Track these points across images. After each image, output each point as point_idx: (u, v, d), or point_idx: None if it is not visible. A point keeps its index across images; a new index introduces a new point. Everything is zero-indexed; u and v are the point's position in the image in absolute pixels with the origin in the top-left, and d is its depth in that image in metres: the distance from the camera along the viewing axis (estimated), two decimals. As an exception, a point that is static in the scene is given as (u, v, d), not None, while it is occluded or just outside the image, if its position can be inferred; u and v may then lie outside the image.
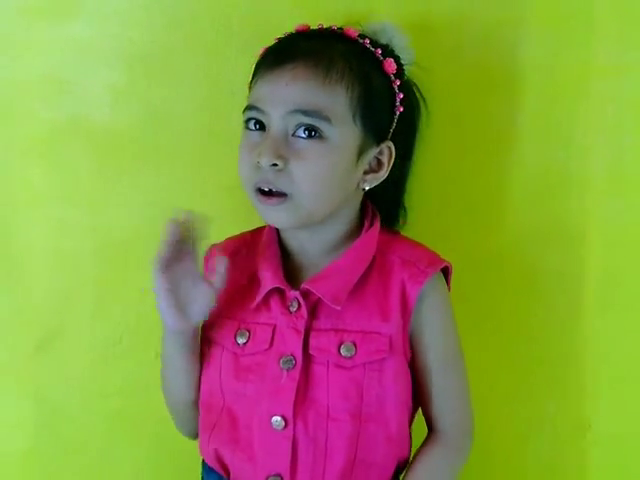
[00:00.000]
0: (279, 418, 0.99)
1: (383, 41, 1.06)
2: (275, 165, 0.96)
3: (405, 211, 1.14)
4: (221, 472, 1.05)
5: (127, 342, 1.24)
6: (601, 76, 1.21)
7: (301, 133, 0.97)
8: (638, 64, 1.21)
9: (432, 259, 1.05)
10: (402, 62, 1.07)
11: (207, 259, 1.05)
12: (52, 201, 1.22)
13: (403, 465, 1.07)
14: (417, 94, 1.12)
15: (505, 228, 1.26)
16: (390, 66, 1.03)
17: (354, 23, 1.08)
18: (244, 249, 1.08)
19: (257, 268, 1.04)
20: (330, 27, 1.05)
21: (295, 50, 1.00)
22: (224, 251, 1.05)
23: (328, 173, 0.99)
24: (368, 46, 1.03)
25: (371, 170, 1.04)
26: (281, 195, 0.98)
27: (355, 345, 1.00)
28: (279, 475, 1.00)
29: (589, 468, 1.30)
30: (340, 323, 1.01)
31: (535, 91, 1.22)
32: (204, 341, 1.06)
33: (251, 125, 1.01)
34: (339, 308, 1.00)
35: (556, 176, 1.24)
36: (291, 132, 0.98)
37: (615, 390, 1.28)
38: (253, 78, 1.02)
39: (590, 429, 1.29)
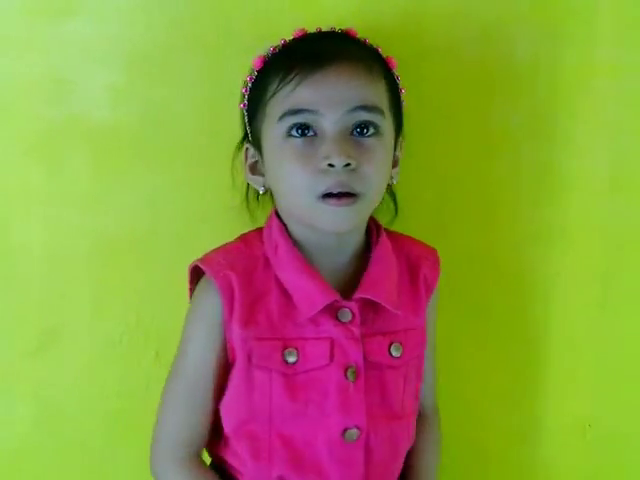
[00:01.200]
0: (354, 430, 0.99)
1: None
2: (348, 165, 0.95)
3: (396, 204, 1.14)
4: None
5: (127, 342, 1.24)
6: (601, 76, 1.21)
7: (363, 130, 0.97)
8: (638, 64, 1.21)
9: (431, 249, 1.11)
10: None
11: (221, 282, 0.98)
12: (51, 201, 1.21)
13: None
14: None
15: (505, 228, 1.26)
16: (393, 63, 1.04)
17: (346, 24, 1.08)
18: (258, 264, 1.01)
19: (287, 282, 1.00)
20: (332, 29, 1.05)
21: (331, 51, 0.98)
22: (235, 270, 0.99)
23: (387, 168, 1.01)
24: (367, 44, 1.04)
25: (394, 165, 1.06)
26: (351, 195, 0.96)
27: (402, 344, 1.03)
28: None
29: (589, 468, 1.30)
30: (385, 326, 1.02)
31: (535, 91, 1.22)
32: (241, 367, 0.99)
33: (295, 132, 0.97)
34: (400, 313, 1.02)
35: (556, 176, 1.24)
36: (349, 131, 0.96)
37: (615, 390, 1.28)
38: (279, 85, 0.97)
39: (590, 429, 1.29)
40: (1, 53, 1.18)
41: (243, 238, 1.06)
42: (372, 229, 1.07)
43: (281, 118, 0.97)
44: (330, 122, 0.96)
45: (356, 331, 0.99)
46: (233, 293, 0.98)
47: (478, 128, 1.23)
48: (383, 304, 1.00)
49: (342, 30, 1.05)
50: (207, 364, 1.00)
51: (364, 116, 0.97)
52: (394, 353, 1.02)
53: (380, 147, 0.98)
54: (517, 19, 1.20)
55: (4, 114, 1.20)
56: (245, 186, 1.13)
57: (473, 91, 1.22)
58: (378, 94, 0.99)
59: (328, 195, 0.95)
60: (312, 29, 1.06)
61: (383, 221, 1.11)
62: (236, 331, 0.98)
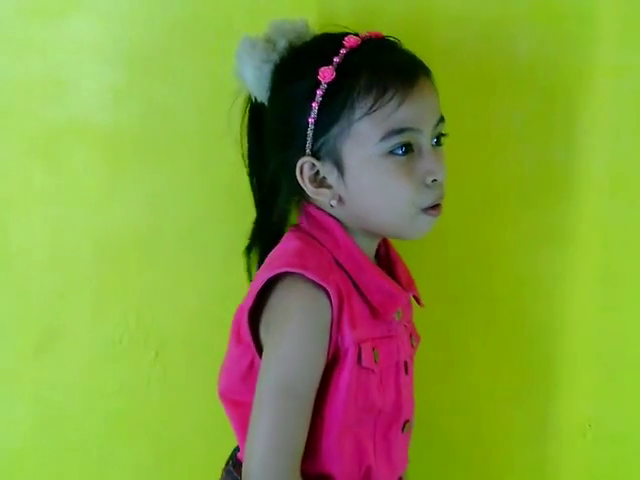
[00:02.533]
0: (410, 422, 1.06)
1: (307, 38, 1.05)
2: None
3: None
4: None
5: (127, 342, 1.24)
6: (601, 76, 1.21)
7: (440, 141, 1.02)
8: (638, 64, 1.21)
9: None
10: None
11: (332, 285, 0.95)
12: (51, 201, 1.22)
13: None
14: None
15: (505, 228, 1.26)
16: None
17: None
18: (333, 266, 1.00)
19: (370, 284, 1.01)
20: (374, 34, 1.03)
21: (413, 65, 1.00)
22: (336, 274, 0.98)
23: None
24: None
25: None
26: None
27: (415, 334, 1.10)
28: (401, 476, 1.07)
29: (589, 468, 1.30)
30: (405, 319, 1.07)
31: (535, 91, 1.22)
32: (348, 370, 0.97)
33: (399, 150, 0.97)
34: (423, 305, 1.09)
35: (556, 176, 1.24)
36: (432, 142, 1.00)
37: (615, 390, 1.28)
38: (375, 103, 0.96)
39: (590, 429, 1.29)
40: (1, 53, 1.18)
41: (304, 241, 1.02)
42: None
43: (384, 138, 0.97)
44: (426, 137, 0.98)
45: (408, 327, 1.07)
46: (342, 297, 0.96)
47: (478, 128, 1.23)
48: (420, 300, 1.08)
49: (385, 36, 1.03)
50: (313, 374, 0.96)
51: (442, 128, 1.01)
52: (414, 343, 1.09)
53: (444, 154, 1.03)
54: (517, 19, 1.20)
55: (4, 114, 1.20)
56: (249, 186, 1.12)
57: (473, 91, 1.22)
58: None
59: (432, 207, 1.00)
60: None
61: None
62: (348, 334, 0.96)
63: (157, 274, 1.23)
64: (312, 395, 0.96)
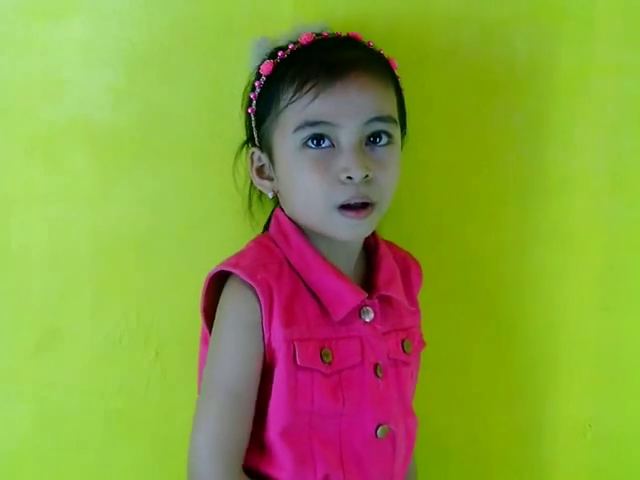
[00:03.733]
0: (385, 426, 1.01)
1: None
2: (366, 176, 0.96)
3: None
4: None
5: (127, 342, 1.24)
6: (601, 76, 1.21)
7: (377, 139, 0.98)
8: (638, 64, 1.21)
9: (416, 259, 1.14)
10: None
11: (259, 284, 0.97)
12: (51, 201, 1.21)
13: None
14: None
15: (505, 228, 1.26)
16: (395, 64, 1.04)
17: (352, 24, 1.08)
18: (284, 266, 1.01)
19: (316, 283, 1.00)
20: (336, 34, 1.04)
21: (346, 61, 0.98)
22: (270, 273, 0.99)
23: (398, 175, 1.01)
24: (374, 48, 1.04)
25: None
26: (367, 206, 0.98)
27: (411, 341, 1.07)
28: None
29: (589, 468, 1.30)
30: (396, 324, 1.05)
31: (535, 91, 1.22)
32: (283, 369, 0.98)
33: (311, 143, 0.97)
34: (415, 309, 1.06)
35: (556, 176, 1.24)
36: (365, 141, 0.98)
37: (615, 390, 1.28)
38: (294, 95, 0.97)
39: (590, 429, 1.29)
40: (1, 53, 1.18)
41: (258, 242, 1.05)
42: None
43: (297, 129, 0.97)
44: (347, 134, 0.96)
45: (380, 329, 1.02)
46: (272, 295, 0.97)
47: (478, 128, 1.23)
48: (400, 300, 1.04)
49: (348, 35, 1.04)
50: (250, 372, 0.98)
51: (380, 127, 0.98)
52: (406, 349, 1.05)
53: (393, 155, 1.00)
54: (517, 19, 1.20)
55: (4, 114, 1.20)
56: (247, 188, 1.13)
57: (473, 91, 1.22)
58: (391, 102, 1.01)
59: (346, 206, 0.97)
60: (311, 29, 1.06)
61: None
62: (278, 332, 0.97)
63: (157, 274, 1.23)
64: (249, 393, 0.97)
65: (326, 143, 0.97)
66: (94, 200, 1.22)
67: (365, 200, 0.97)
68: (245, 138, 1.10)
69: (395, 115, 1.01)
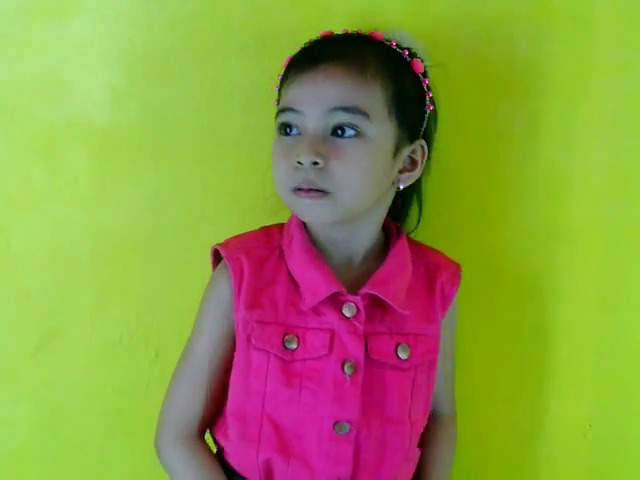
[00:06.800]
0: (345, 423, 0.99)
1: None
2: (316, 164, 0.96)
3: (421, 211, 1.15)
4: None
5: (127, 342, 1.24)
6: (601, 76, 1.21)
7: (340, 131, 0.98)
8: (638, 64, 1.21)
9: (454, 262, 1.12)
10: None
11: (233, 264, 1.02)
12: (51, 201, 1.22)
13: None
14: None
15: (505, 228, 1.26)
16: (418, 66, 1.04)
17: (360, 24, 1.08)
18: (274, 253, 1.04)
19: (295, 271, 1.02)
20: (356, 32, 1.05)
21: (325, 52, 1.00)
22: (249, 256, 1.02)
23: (367, 171, 0.99)
24: (395, 48, 1.03)
25: (405, 169, 1.05)
26: (318, 192, 0.98)
27: (410, 347, 1.03)
28: None
29: (589, 468, 1.30)
30: (394, 326, 1.03)
31: (535, 91, 1.22)
32: (241, 348, 1.01)
33: (282, 130, 1.01)
34: (407, 313, 1.02)
35: (556, 176, 1.24)
36: (330, 131, 0.98)
37: (615, 390, 1.28)
38: (283, 83, 1.02)
39: (590, 429, 1.29)
40: (1, 53, 1.18)
41: (265, 229, 1.09)
42: (392, 232, 1.09)
43: (276, 116, 1.02)
44: (310, 121, 0.98)
45: (360, 327, 1.00)
46: (243, 276, 1.01)
47: (478, 128, 1.23)
48: (388, 301, 1.01)
49: (358, 32, 1.04)
50: (215, 344, 1.03)
51: (344, 117, 0.97)
52: (401, 355, 1.02)
53: (360, 149, 0.98)
54: (517, 19, 1.20)
55: (4, 114, 1.20)
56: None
57: (473, 91, 1.22)
58: (367, 96, 0.98)
59: (299, 189, 0.99)
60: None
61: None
62: (241, 312, 1.00)
63: (157, 274, 1.23)
64: (208, 362, 1.03)
65: (294, 132, 1.00)
66: (94, 200, 1.22)
67: (313, 187, 0.97)
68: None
69: (369, 109, 0.98)
